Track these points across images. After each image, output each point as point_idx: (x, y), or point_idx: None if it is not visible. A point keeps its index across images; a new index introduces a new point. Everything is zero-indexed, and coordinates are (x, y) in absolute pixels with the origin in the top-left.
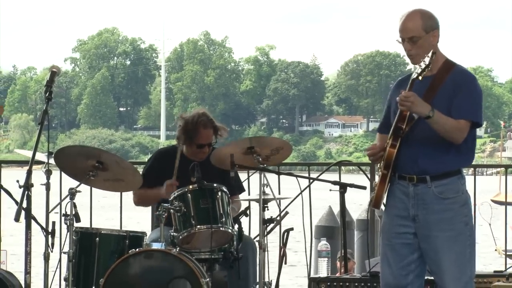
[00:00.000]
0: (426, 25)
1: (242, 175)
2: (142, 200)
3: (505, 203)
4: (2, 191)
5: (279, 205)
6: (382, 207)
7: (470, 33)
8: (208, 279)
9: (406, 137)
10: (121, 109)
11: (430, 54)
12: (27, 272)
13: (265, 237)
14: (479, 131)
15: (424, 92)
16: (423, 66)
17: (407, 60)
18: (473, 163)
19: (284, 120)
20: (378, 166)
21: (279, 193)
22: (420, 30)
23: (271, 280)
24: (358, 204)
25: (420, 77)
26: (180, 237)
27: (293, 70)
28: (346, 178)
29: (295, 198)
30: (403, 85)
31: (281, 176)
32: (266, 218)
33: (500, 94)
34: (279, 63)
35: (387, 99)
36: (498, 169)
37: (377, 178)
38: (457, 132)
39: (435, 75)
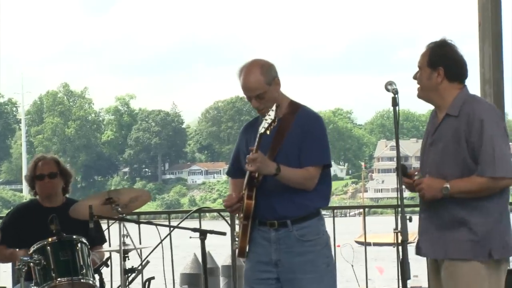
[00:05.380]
0: (268, 78)
1: (105, 227)
2: None
3: (365, 243)
4: None
5: (140, 255)
6: None
7: (329, 77)
8: None
9: (261, 186)
10: None
11: (274, 108)
12: None
13: (127, 287)
14: (341, 173)
15: (272, 139)
16: (269, 121)
17: None
18: (334, 205)
19: (147, 169)
20: (238, 216)
21: (140, 243)
22: (263, 85)
23: None
24: (225, 249)
25: (268, 132)
26: None
27: (154, 119)
28: (209, 225)
29: (155, 247)
30: (250, 130)
31: (142, 226)
32: (127, 268)
33: (360, 136)
34: (139, 112)
35: (236, 143)
36: (361, 210)
37: (237, 228)
38: (306, 181)
39: (281, 119)
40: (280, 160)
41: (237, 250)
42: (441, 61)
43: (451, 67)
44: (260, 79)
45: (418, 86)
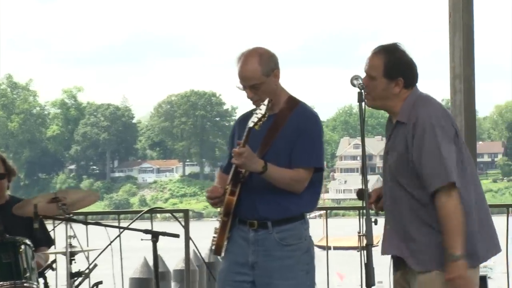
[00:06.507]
0: (266, 69)
1: (50, 227)
2: None
3: (326, 247)
4: None
5: (87, 257)
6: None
7: (289, 71)
8: None
9: (246, 182)
10: None
11: (266, 102)
12: None
13: None
14: None
15: (266, 132)
16: (259, 115)
17: (224, 99)
18: None
19: (94, 167)
20: (219, 210)
21: (88, 245)
22: (260, 76)
23: None
24: (178, 252)
25: (256, 127)
26: None
27: (102, 113)
28: (160, 226)
29: (104, 250)
30: (244, 123)
31: (90, 226)
32: (73, 271)
33: None
34: (87, 106)
35: (229, 136)
36: (322, 212)
37: (217, 224)
38: (295, 184)
39: (278, 114)
40: (270, 157)
41: (213, 247)
42: (399, 71)
43: (408, 76)
44: (257, 68)
45: (368, 95)
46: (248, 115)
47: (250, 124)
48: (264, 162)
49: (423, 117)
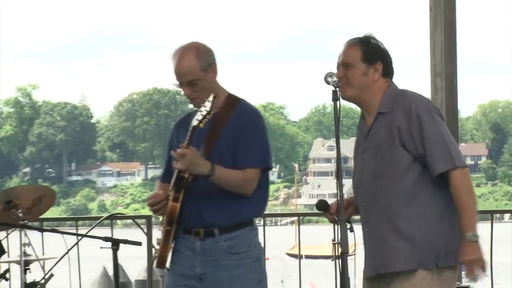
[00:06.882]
0: (204, 63)
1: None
2: None
3: (298, 256)
4: None
5: (43, 267)
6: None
7: (259, 67)
8: None
9: (189, 188)
10: None
11: (210, 98)
12: None
13: None
14: (271, 176)
15: (207, 132)
16: (204, 112)
17: None
18: (266, 212)
19: (50, 169)
20: (161, 220)
21: (43, 253)
22: (197, 71)
23: None
24: (140, 261)
25: (201, 124)
26: None
27: (59, 112)
28: (121, 233)
29: (61, 259)
30: (183, 127)
31: (46, 234)
32: (28, 282)
33: (294, 134)
34: (43, 105)
35: (168, 142)
36: (294, 218)
37: (160, 234)
38: (244, 185)
39: (218, 113)
40: (214, 160)
41: (156, 260)
42: (378, 55)
43: (387, 61)
44: (195, 63)
45: (347, 84)
46: (185, 119)
47: (194, 122)
48: (211, 164)
49: (414, 102)
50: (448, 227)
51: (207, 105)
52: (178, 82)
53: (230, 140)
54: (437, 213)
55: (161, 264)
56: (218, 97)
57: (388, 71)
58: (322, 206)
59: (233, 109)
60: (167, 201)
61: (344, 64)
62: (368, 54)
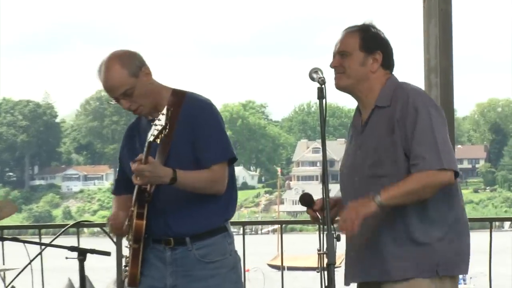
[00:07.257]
0: (132, 69)
1: None
2: None
3: (281, 267)
4: None
5: (3, 278)
6: None
7: (239, 64)
8: None
9: (153, 196)
10: None
11: (164, 112)
12: None
13: None
14: (251, 181)
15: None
16: (159, 127)
17: None
18: (243, 219)
19: (11, 173)
20: (128, 237)
21: (3, 263)
22: (128, 80)
23: None
24: (108, 273)
25: (158, 140)
26: None
27: (21, 111)
28: (88, 242)
29: (22, 270)
30: (133, 134)
31: (6, 243)
32: None
33: (276, 135)
34: (3, 103)
35: (119, 152)
36: (276, 226)
37: (127, 251)
38: (214, 184)
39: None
40: (172, 164)
41: (126, 279)
42: (378, 44)
43: (387, 51)
44: (122, 72)
45: (342, 74)
46: (135, 125)
47: (150, 138)
48: (173, 171)
49: (413, 95)
50: (451, 234)
51: (162, 118)
52: (113, 98)
53: (185, 138)
54: (440, 218)
55: (132, 283)
56: (160, 97)
57: (388, 63)
58: (307, 199)
59: (181, 105)
60: (130, 220)
61: (340, 53)
62: (367, 42)
